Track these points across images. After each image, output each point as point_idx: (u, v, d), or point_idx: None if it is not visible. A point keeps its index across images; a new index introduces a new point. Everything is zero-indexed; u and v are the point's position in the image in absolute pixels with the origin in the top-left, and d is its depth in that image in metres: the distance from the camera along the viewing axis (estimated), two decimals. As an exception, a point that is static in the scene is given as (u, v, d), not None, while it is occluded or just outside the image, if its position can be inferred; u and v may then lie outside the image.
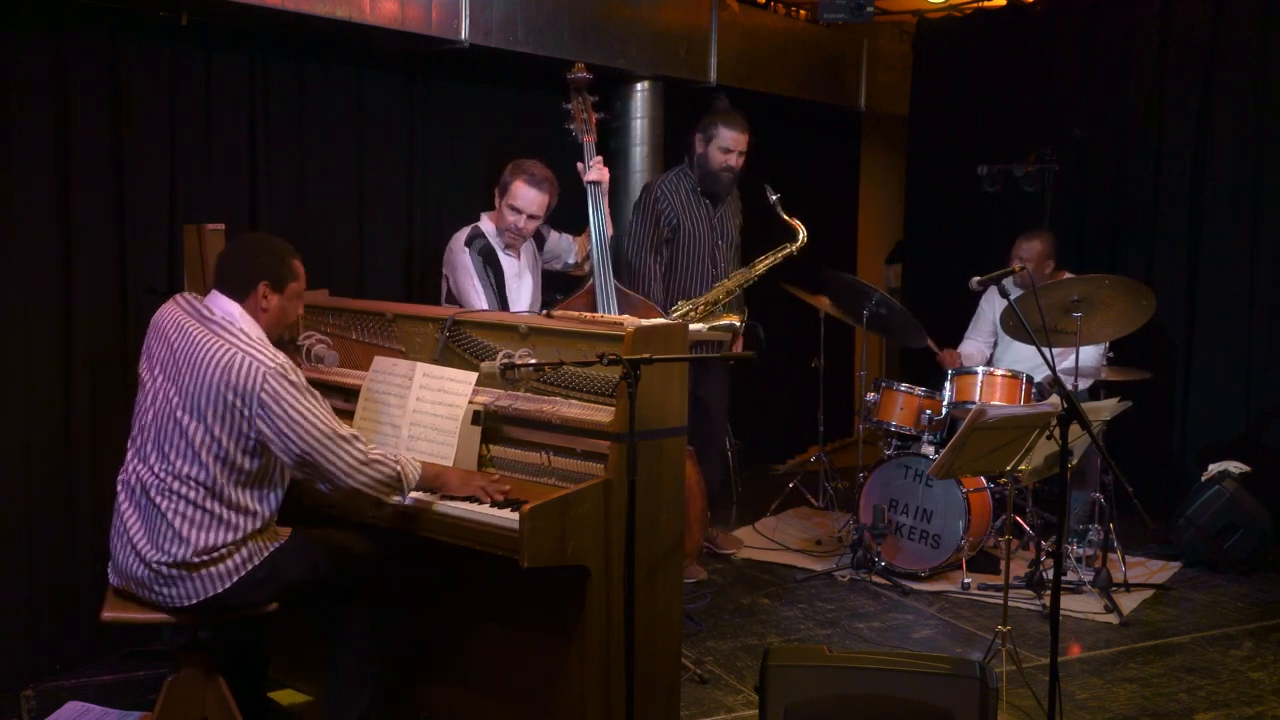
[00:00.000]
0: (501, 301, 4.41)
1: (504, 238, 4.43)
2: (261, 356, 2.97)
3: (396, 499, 3.15)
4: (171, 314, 3.14)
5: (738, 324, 4.91)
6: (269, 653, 3.64)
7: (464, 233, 4.44)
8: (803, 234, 4.91)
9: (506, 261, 4.45)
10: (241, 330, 3.04)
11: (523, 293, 4.51)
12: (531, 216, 4.38)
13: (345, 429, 3.03)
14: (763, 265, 4.94)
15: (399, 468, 3.08)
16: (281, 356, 3.01)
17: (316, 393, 3.04)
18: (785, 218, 4.88)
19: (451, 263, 4.40)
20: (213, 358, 2.97)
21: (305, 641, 3.64)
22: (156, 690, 3.22)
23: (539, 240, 4.69)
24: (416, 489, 3.17)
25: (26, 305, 3.88)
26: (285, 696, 3.82)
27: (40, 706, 3.73)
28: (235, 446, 2.98)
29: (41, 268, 3.91)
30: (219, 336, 3.02)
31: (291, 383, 2.97)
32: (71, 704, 3.74)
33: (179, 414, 3.00)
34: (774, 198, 4.84)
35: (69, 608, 4.00)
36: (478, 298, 4.31)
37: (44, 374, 3.94)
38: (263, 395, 2.93)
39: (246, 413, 2.94)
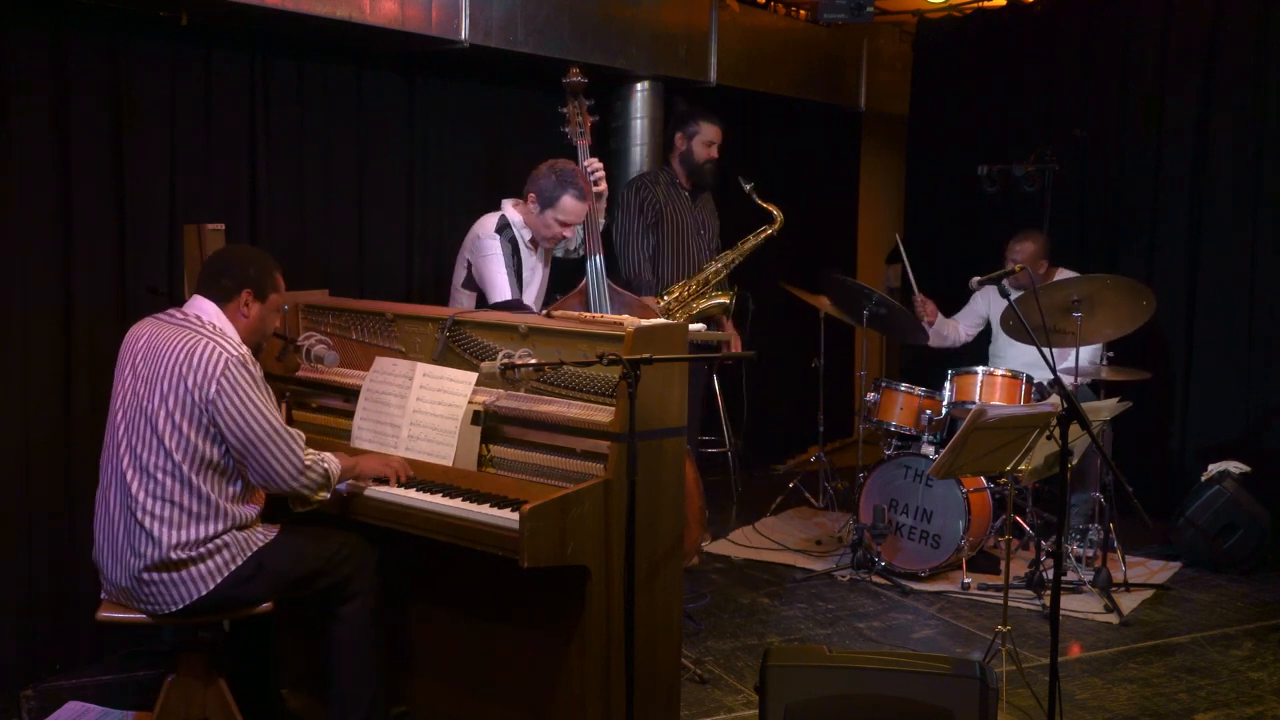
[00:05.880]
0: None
1: (534, 234, 4.38)
2: (224, 344, 3.06)
3: (324, 495, 3.21)
4: (142, 326, 3.23)
5: (728, 301, 5.09)
6: (273, 654, 3.63)
7: (492, 220, 4.35)
8: (779, 216, 5.12)
9: (526, 255, 4.43)
10: (211, 324, 3.13)
11: (533, 285, 4.50)
12: (575, 225, 4.39)
13: (291, 428, 3.11)
14: (748, 245, 5.10)
15: (326, 466, 3.17)
16: (245, 348, 3.10)
17: (270, 390, 3.14)
18: (761, 203, 5.11)
19: (479, 250, 4.33)
20: (176, 346, 3.06)
21: (309, 642, 3.64)
22: (156, 690, 3.22)
23: None
24: (340, 479, 3.25)
25: (26, 305, 3.88)
26: (289, 697, 3.82)
27: (40, 706, 3.73)
28: (197, 434, 3.02)
29: (41, 268, 3.92)
30: (184, 329, 3.10)
31: (249, 372, 3.05)
32: (71, 704, 3.74)
33: (144, 404, 3.06)
34: (748, 186, 5.07)
35: (68, 608, 4.00)
36: (506, 286, 4.27)
37: (44, 374, 3.94)
38: (222, 380, 3.00)
39: (204, 393, 3.00)
